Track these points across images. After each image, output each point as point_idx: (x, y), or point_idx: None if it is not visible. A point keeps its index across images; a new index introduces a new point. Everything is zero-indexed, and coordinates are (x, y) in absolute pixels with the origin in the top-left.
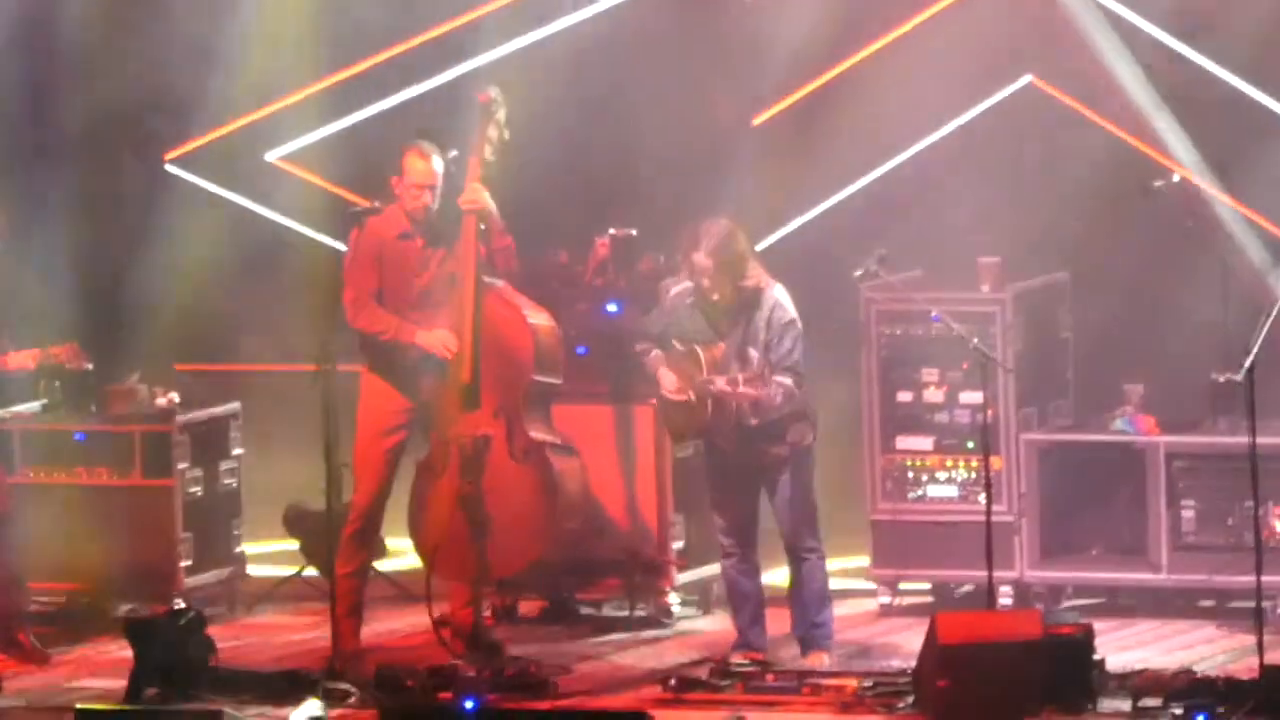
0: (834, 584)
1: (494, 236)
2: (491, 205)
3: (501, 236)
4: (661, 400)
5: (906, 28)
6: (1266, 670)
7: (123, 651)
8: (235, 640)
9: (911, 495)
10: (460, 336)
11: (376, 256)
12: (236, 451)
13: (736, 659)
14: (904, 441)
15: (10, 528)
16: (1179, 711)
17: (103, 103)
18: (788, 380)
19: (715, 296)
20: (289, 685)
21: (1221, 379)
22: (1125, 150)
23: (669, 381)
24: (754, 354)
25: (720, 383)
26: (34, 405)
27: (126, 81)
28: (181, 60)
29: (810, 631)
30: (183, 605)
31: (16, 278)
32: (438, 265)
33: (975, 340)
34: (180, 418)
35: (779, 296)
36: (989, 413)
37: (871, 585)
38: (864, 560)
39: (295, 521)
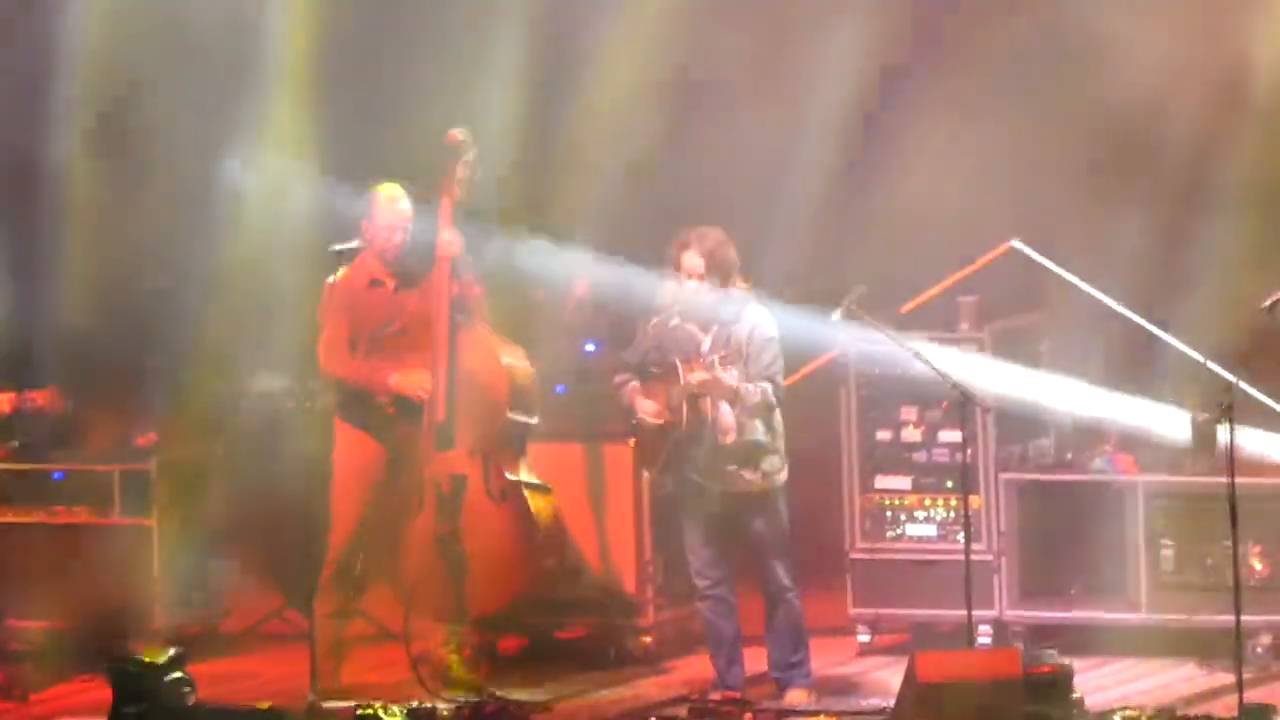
0: (811, 623)
1: (465, 279)
2: (462, 247)
3: (470, 280)
4: (638, 429)
5: None
6: (1245, 709)
7: (102, 690)
8: (215, 679)
9: (890, 534)
10: (434, 376)
11: (348, 306)
12: (215, 491)
13: (715, 698)
14: (883, 481)
15: None
16: None
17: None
18: (766, 386)
19: (714, 296)
20: None
21: (1200, 418)
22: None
23: (646, 406)
24: (732, 370)
25: (699, 375)
26: (12, 444)
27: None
28: None
29: (788, 670)
30: (162, 644)
31: None
32: (412, 308)
33: (955, 378)
34: (159, 457)
35: (761, 315)
36: (968, 452)
37: (850, 624)
38: (842, 599)
39: (274, 561)
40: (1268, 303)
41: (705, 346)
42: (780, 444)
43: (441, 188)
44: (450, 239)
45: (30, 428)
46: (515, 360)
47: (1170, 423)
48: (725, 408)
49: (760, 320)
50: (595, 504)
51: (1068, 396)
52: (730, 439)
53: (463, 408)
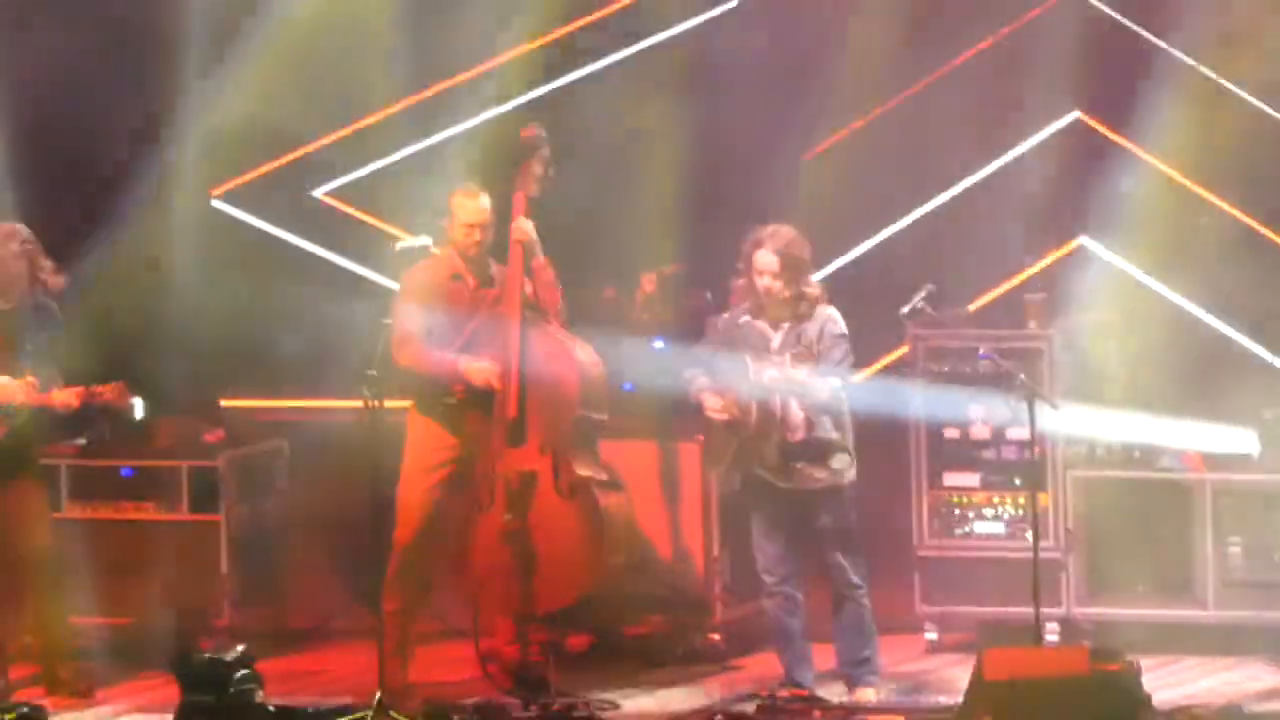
0: (879, 620)
1: (540, 272)
2: (536, 241)
3: (546, 271)
4: (706, 426)
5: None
6: None
7: (169, 687)
8: (283, 677)
9: (958, 531)
10: (506, 372)
11: (427, 298)
12: (282, 487)
13: (783, 695)
14: (951, 478)
15: (53, 563)
16: None
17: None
18: (836, 383)
19: (786, 294)
20: None
21: (1269, 416)
22: (1171, 185)
23: (713, 402)
24: (801, 367)
25: (769, 372)
26: (79, 442)
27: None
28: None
29: (856, 668)
30: (229, 640)
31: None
32: (489, 307)
33: (1022, 376)
34: (227, 453)
35: (832, 314)
36: (1036, 449)
37: (918, 621)
38: (910, 596)
39: (341, 557)
40: None
41: (775, 344)
42: (849, 441)
43: (516, 183)
44: (523, 226)
45: (98, 423)
46: (586, 357)
47: (1235, 439)
48: (794, 405)
49: (830, 318)
50: (663, 501)
51: (1130, 428)
52: (799, 436)
53: (534, 404)
